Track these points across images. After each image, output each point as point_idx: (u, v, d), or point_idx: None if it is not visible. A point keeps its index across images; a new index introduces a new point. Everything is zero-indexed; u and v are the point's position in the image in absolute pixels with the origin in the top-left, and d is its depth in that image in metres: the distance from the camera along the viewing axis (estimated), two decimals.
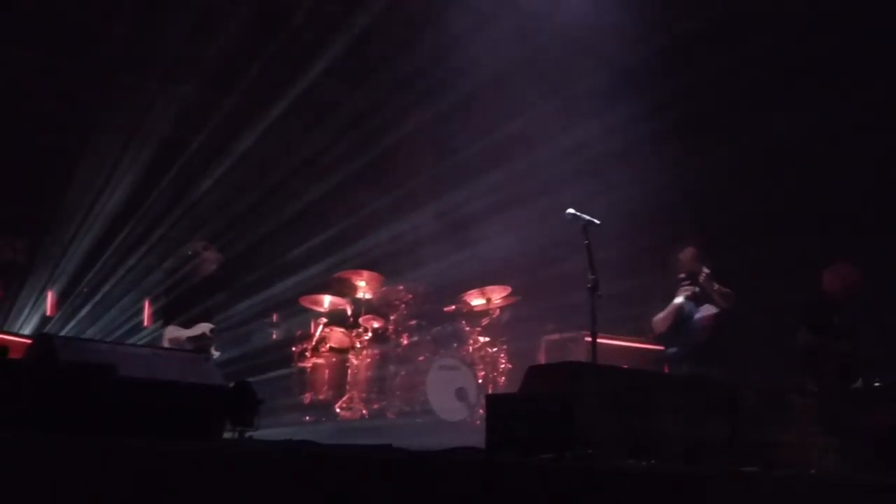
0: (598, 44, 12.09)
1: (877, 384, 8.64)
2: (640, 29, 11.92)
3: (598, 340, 8.75)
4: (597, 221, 8.78)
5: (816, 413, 6.85)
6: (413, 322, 11.62)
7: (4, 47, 11.93)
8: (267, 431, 6.11)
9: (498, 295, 11.84)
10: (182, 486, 3.87)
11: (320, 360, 11.74)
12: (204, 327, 10.87)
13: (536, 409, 5.80)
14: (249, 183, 13.45)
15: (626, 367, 9.63)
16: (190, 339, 10.65)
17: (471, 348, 11.55)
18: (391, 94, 13.00)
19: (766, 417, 6.48)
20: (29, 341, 9.04)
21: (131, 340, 11.72)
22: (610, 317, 9.28)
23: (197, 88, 12.97)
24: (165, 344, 10.77)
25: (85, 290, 12.47)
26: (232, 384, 5.40)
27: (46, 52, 12.32)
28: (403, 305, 11.75)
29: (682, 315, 9.93)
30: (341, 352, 11.75)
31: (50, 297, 12.33)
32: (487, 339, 11.69)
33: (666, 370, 10.03)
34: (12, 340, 9.50)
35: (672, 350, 10.07)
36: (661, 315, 9.96)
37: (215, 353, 10.86)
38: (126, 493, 3.74)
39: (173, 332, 10.63)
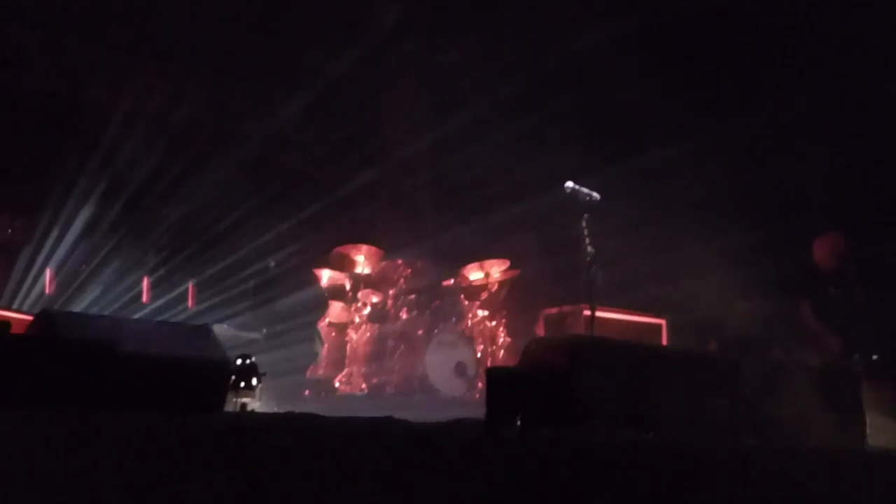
0: None
1: (874, 358, 8.66)
2: None
3: (597, 314, 8.77)
4: (596, 195, 8.74)
5: (816, 387, 6.87)
6: (412, 297, 11.62)
7: (6, 25, 11.93)
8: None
9: (497, 269, 11.85)
10: (184, 460, 3.89)
11: None
12: None
13: (536, 382, 5.82)
14: (243, 156, 13.49)
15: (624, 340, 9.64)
16: None
17: (469, 322, 11.56)
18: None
19: (765, 391, 6.50)
20: (29, 318, 9.03)
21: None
22: (609, 290, 9.29)
23: (193, 69, 13.02)
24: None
25: (83, 267, 12.47)
26: (235, 358, 5.42)
27: (48, 30, 12.31)
28: (402, 280, 11.76)
29: None
30: (340, 326, 11.78)
31: (48, 275, 12.32)
32: (486, 313, 11.70)
33: None
34: (13, 318, 9.49)
35: None
36: None
37: None
38: (127, 468, 3.75)
39: None
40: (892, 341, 9.07)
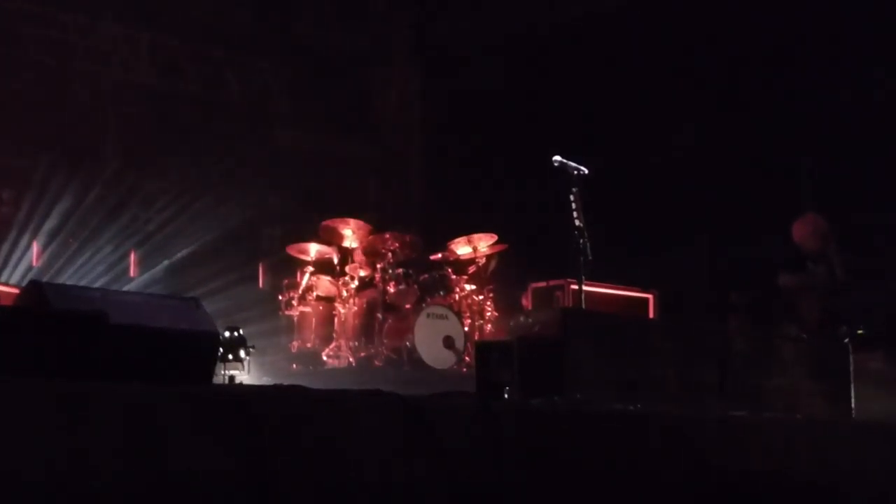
0: None
1: (860, 331, 8.73)
2: None
3: (585, 288, 8.77)
4: (585, 169, 8.71)
5: (804, 359, 6.92)
6: (400, 270, 11.60)
7: None
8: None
9: (484, 243, 11.85)
10: (177, 430, 3.89)
11: (307, 309, 11.77)
12: None
13: (526, 354, 5.85)
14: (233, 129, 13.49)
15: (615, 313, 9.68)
16: None
17: (457, 296, 11.57)
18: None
19: (754, 362, 6.54)
20: (15, 290, 9.01)
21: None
22: (596, 264, 9.29)
23: (180, 38, 13.02)
24: None
25: (71, 240, 12.43)
26: (224, 330, 5.42)
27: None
28: (390, 254, 11.74)
29: None
30: (328, 300, 11.78)
31: (35, 248, 12.28)
32: (474, 287, 11.71)
33: None
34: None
35: None
36: None
37: None
38: (116, 437, 3.75)
39: None
40: (879, 315, 9.14)
